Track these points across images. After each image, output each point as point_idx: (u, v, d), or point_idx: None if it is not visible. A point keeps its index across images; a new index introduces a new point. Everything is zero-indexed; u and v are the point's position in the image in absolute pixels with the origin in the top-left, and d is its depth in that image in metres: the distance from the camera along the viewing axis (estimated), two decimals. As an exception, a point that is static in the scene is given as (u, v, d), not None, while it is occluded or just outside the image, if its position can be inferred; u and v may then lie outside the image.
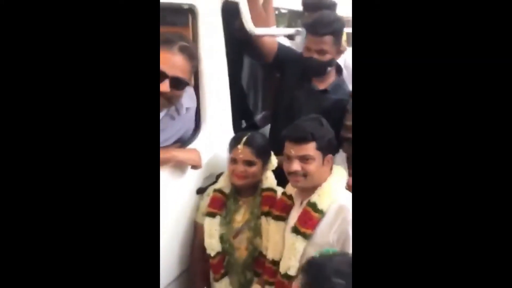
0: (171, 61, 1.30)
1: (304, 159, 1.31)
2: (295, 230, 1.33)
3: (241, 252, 1.54)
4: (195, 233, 1.62)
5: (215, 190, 1.58)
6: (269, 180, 1.56)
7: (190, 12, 1.53)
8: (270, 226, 1.47)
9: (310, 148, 1.31)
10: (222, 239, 1.54)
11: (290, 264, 1.32)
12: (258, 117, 2.37)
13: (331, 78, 1.87)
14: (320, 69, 1.82)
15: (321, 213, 1.30)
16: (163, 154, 1.36)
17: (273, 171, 1.59)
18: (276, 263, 1.41)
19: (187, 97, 1.47)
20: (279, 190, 1.53)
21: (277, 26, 2.15)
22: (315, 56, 1.77)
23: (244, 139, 1.52)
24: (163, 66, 1.26)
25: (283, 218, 1.43)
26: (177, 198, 1.53)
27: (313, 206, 1.31)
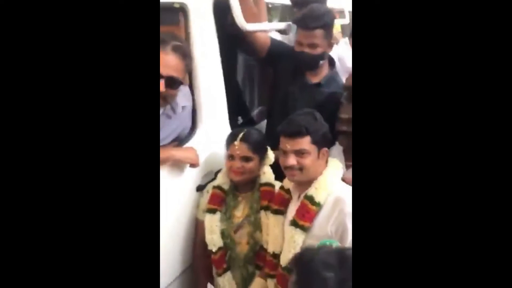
0: (164, 61, 1.31)
1: (299, 153, 1.32)
2: (294, 223, 1.34)
3: (242, 247, 1.56)
4: (197, 230, 1.64)
5: (214, 187, 1.60)
6: (267, 175, 1.58)
7: (181, 11, 1.54)
8: (269, 220, 1.49)
9: (305, 142, 1.32)
10: (223, 234, 1.56)
11: (290, 257, 1.34)
12: (255, 112, 2.37)
13: (324, 71, 1.88)
14: (312, 63, 1.82)
15: (318, 205, 1.31)
16: (161, 154, 1.37)
17: (271, 165, 1.60)
18: (276, 256, 1.43)
19: (182, 96, 1.49)
20: (277, 184, 1.55)
21: (270, 20, 2.15)
22: (307, 50, 1.78)
23: (241, 135, 1.54)
24: None
25: (282, 212, 1.45)
26: (177, 196, 1.54)
27: (310, 199, 1.32)
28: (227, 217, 1.58)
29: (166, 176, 1.44)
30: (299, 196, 1.39)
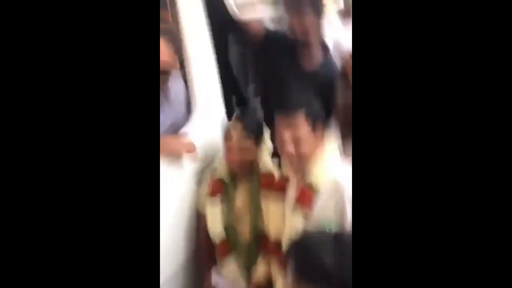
0: None
1: (297, 139, 1.31)
2: (294, 209, 1.34)
3: (245, 235, 1.56)
4: (198, 220, 1.64)
5: (212, 177, 1.59)
6: (265, 162, 1.57)
7: None
8: (270, 207, 1.48)
9: (300, 118, 1.30)
10: (225, 224, 1.56)
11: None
12: (249, 95, 2.36)
13: (319, 57, 1.86)
14: (305, 49, 1.80)
15: (317, 190, 1.31)
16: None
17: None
18: (279, 242, 1.43)
19: (174, 82, 1.47)
20: (276, 170, 1.54)
21: (263, 6, 2.12)
22: (299, 36, 1.76)
23: (234, 119, 1.53)
24: None
25: (281, 199, 1.45)
26: (176, 186, 1.54)
27: (310, 184, 1.32)
28: (228, 207, 1.58)
29: (163, 166, 1.43)
30: (298, 181, 1.39)
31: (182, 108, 1.57)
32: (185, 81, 1.57)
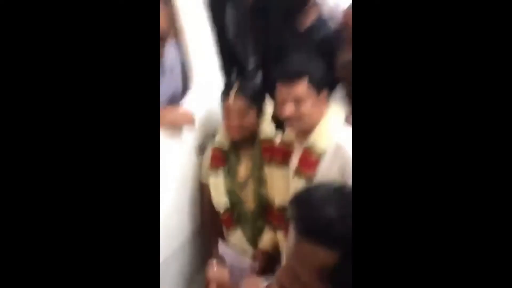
0: None
1: (297, 100, 1.27)
2: (297, 173, 1.32)
3: (249, 204, 1.55)
4: (202, 192, 1.63)
5: (213, 148, 1.57)
6: (267, 128, 1.53)
7: None
8: (273, 174, 1.46)
9: (302, 86, 1.27)
10: (229, 194, 1.55)
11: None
12: (249, 64, 2.32)
13: (312, 17, 1.80)
14: (295, 9, 1.75)
15: (321, 153, 1.28)
16: None
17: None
18: (283, 209, 1.42)
19: (169, 51, 1.43)
20: (277, 137, 1.51)
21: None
22: None
23: (234, 88, 1.48)
24: None
25: (285, 164, 1.42)
26: (177, 159, 1.52)
27: (312, 147, 1.29)
28: (231, 176, 1.56)
29: (163, 139, 1.41)
30: (301, 145, 1.35)
31: (178, 79, 1.53)
32: (181, 52, 1.52)
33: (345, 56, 1.51)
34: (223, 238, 1.62)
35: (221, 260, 1.52)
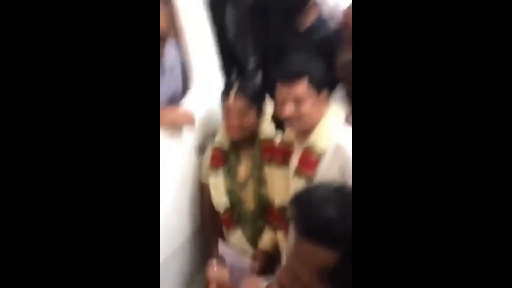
0: None
1: (297, 99, 1.27)
2: (298, 173, 1.32)
3: (249, 204, 1.55)
4: (202, 192, 1.63)
5: (213, 148, 1.57)
6: (267, 128, 1.54)
7: None
8: (273, 174, 1.46)
9: (302, 86, 1.27)
10: (229, 194, 1.55)
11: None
12: (249, 64, 2.32)
13: (312, 17, 1.80)
14: (295, 9, 1.75)
15: (321, 153, 1.28)
16: None
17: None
18: (283, 209, 1.42)
19: (169, 51, 1.43)
20: (277, 137, 1.51)
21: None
22: None
23: (234, 88, 1.49)
24: None
25: (285, 164, 1.42)
26: (177, 159, 1.52)
27: (312, 147, 1.29)
28: (231, 176, 1.56)
29: (163, 139, 1.41)
30: (301, 145, 1.35)
31: (178, 79, 1.53)
32: (181, 52, 1.52)
33: (345, 56, 1.51)
34: (223, 238, 1.62)
35: (221, 260, 1.52)
